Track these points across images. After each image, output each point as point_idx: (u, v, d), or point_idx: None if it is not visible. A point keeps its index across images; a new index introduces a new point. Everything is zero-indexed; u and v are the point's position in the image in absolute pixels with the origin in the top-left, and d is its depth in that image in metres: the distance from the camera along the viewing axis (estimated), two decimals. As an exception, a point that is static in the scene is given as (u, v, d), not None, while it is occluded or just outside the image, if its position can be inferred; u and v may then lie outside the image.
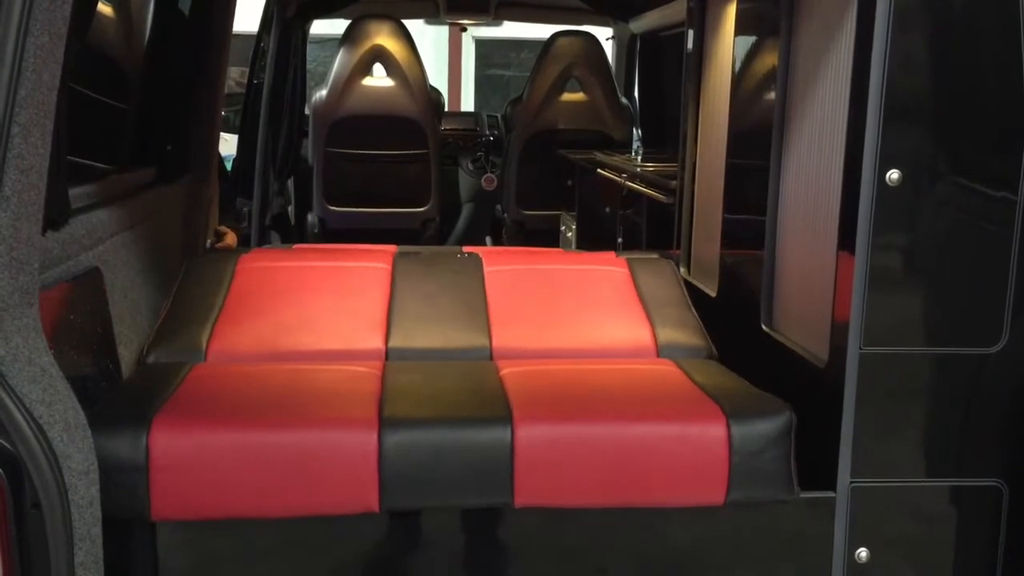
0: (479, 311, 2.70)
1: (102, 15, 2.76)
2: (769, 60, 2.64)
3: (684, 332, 2.68)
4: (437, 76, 11.56)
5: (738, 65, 2.89)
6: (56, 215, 2.09)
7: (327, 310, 2.64)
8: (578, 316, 2.71)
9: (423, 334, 2.59)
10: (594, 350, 2.57)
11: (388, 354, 2.53)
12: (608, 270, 2.94)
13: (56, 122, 1.73)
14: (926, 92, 2.06)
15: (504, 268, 2.92)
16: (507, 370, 2.39)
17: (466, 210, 6.54)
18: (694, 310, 2.81)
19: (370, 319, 2.62)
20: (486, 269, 2.91)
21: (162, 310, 2.65)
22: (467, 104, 13.64)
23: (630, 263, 2.98)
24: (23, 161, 1.57)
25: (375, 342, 2.55)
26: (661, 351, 2.61)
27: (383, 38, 5.56)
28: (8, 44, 1.52)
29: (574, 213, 5.44)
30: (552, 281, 2.87)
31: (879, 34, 2.03)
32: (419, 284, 2.80)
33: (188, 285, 2.74)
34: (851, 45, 2.15)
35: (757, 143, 2.70)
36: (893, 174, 2.06)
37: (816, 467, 2.19)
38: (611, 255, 3.12)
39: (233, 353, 2.47)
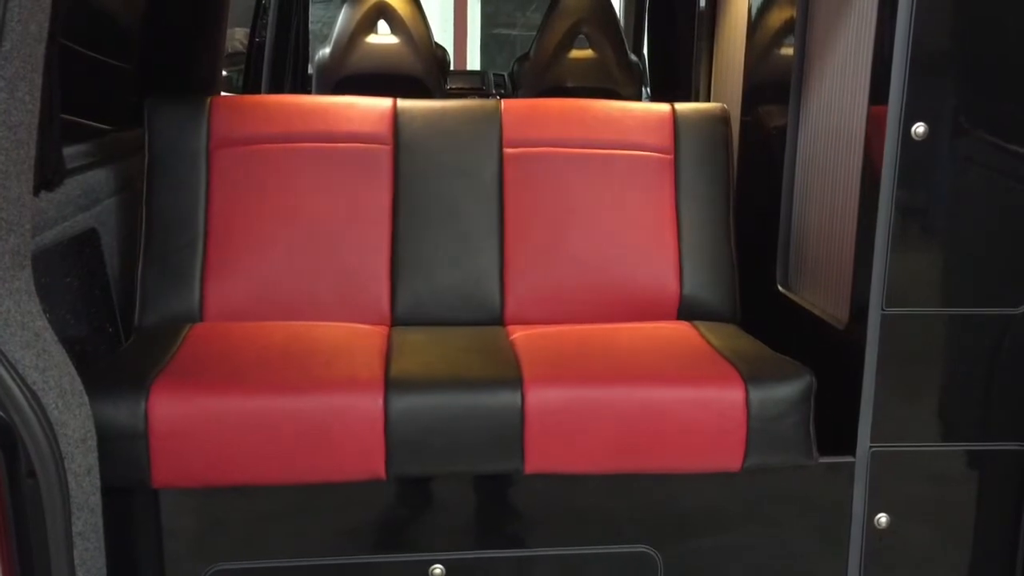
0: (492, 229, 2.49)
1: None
2: (787, 11, 2.55)
3: (712, 290, 2.53)
4: (443, 35, 11.43)
5: (754, 17, 2.80)
6: (50, 175, 2.03)
7: (327, 237, 2.42)
8: (601, 252, 2.49)
9: (429, 280, 2.46)
10: (614, 307, 2.49)
11: (394, 308, 2.45)
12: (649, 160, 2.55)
13: (47, 78, 1.66)
14: (954, 41, 1.98)
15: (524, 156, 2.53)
16: (518, 333, 2.32)
17: None
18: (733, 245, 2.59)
19: (373, 268, 2.44)
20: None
21: (139, 230, 2.42)
22: (473, 64, 13.49)
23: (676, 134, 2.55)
24: (10, 117, 1.50)
25: (379, 293, 2.44)
26: (683, 304, 2.51)
27: (387, -6, 5.45)
28: (-9, -7, 1.45)
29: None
30: (578, 196, 2.52)
31: None
32: (424, 191, 2.49)
33: (160, 191, 2.40)
34: (875, -7, 2.06)
35: (774, 98, 2.62)
36: (919, 127, 1.99)
37: (835, 431, 2.14)
38: (660, 115, 2.61)
39: (229, 307, 2.37)
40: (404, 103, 2.57)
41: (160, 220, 2.41)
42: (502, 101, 2.62)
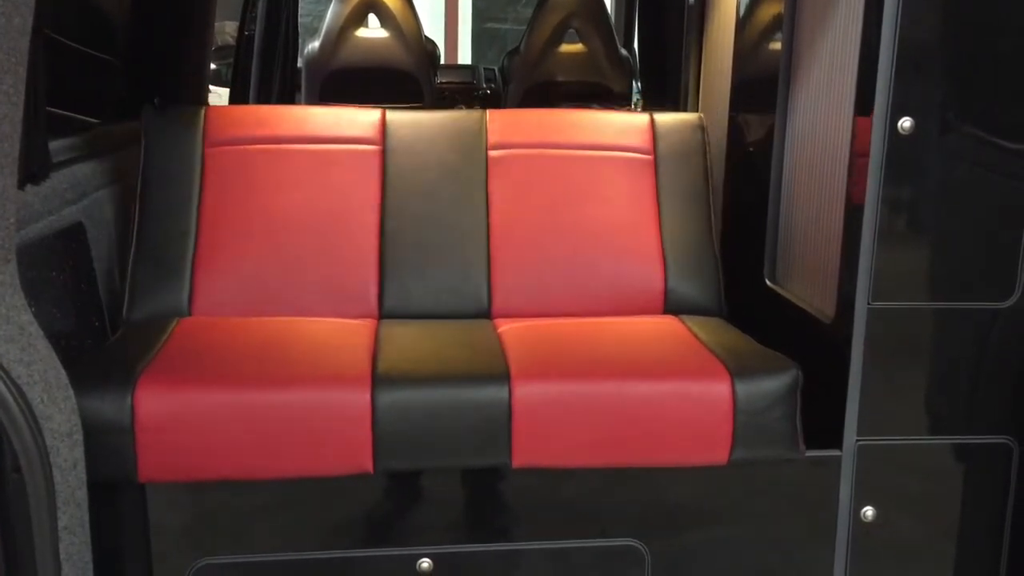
0: (479, 233, 2.52)
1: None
2: (775, 6, 2.55)
3: (697, 284, 2.56)
4: (433, 29, 11.40)
5: (742, 12, 2.80)
6: (36, 168, 2.02)
7: (316, 233, 2.45)
8: (587, 250, 2.53)
9: (418, 273, 2.47)
10: (600, 301, 2.50)
11: (382, 302, 2.45)
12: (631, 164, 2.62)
13: (32, 72, 1.65)
14: (941, 36, 1.98)
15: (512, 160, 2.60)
16: (506, 327, 2.32)
17: None
18: (716, 244, 2.64)
19: (361, 263, 2.46)
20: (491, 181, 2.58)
21: (131, 226, 2.44)
22: (464, 58, 13.47)
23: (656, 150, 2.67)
24: None
25: (367, 287, 2.45)
26: (669, 298, 2.52)
27: (377, -12, 5.43)
28: (-26, -14, 1.44)
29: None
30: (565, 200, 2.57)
31: None
32: (412, 193, 2.53)
33: (153, 189, 2.46)
34: (862, -12, 2.07)
35: (762, 93, 2.62)
36: (905, 122, 1.99)
37: (821, 425, 2.14)
38: (640, 126, 2.71)
39: (218, 302, 2.37)
40: (393, 114, 2.64)
41: (153, 216, 2.45)
42: (487, 112, 2.71)
